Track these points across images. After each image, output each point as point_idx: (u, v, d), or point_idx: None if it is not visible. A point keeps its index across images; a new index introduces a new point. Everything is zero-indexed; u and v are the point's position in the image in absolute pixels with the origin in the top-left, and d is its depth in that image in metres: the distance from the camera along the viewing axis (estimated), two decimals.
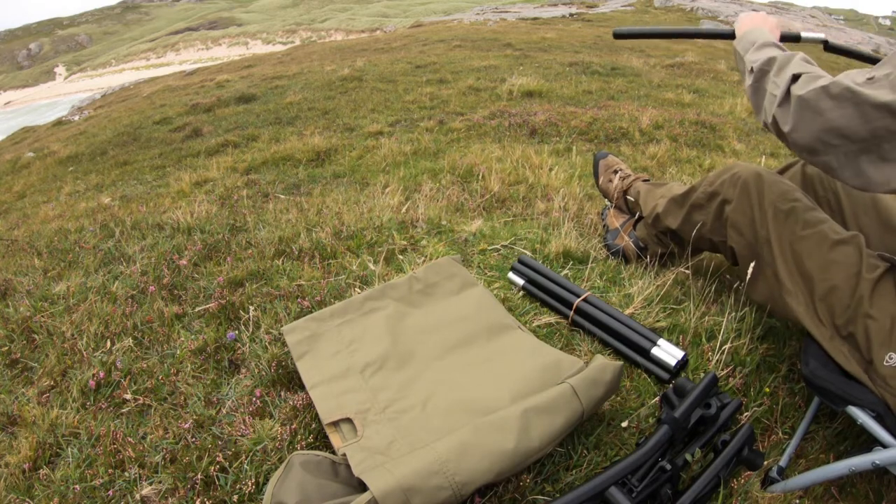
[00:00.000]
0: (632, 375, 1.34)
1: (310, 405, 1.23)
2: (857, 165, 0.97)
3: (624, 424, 1.19)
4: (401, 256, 1.84)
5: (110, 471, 1.15)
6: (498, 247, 1.86)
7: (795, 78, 1.03)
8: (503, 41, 10.38)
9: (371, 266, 1.76)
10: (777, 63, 1.10)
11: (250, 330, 1.53)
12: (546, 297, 1.54)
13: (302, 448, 1.14)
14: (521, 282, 1.61)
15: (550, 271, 1.60)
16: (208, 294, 1.74)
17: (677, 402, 1.16)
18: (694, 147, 3.76)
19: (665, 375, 1.31)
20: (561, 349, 1.37)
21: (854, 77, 0.95)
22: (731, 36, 1.38)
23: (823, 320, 1.15)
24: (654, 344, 1.34)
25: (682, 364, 1.33)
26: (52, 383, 1.47)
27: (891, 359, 1.05)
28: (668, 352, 1.32)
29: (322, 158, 3.81)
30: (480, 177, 2.70)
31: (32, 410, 1.36)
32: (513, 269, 1.67)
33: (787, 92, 1.03)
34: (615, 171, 1.96)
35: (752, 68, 1.15)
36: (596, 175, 2.02)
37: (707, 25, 17.42)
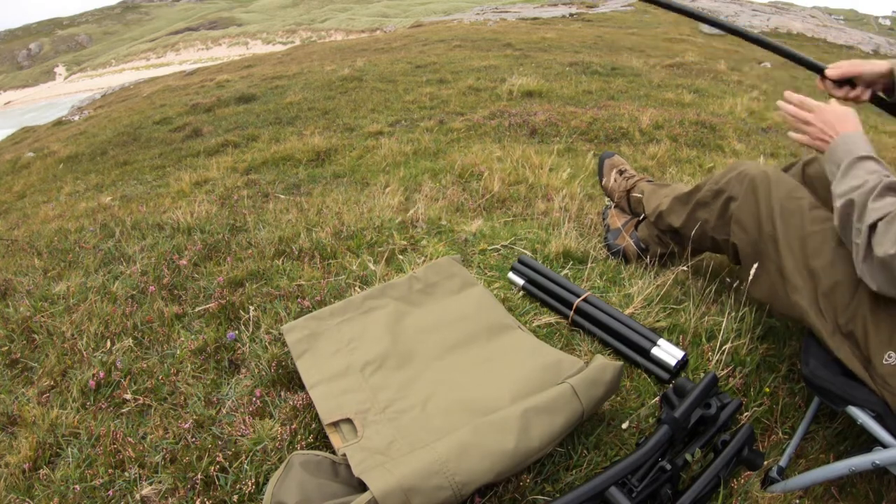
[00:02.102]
0: (632, 375, 1.34)
1: (310, 405, 1.23)
2: None
3: (624, 426, 1.19)
4: (401, 256, 1.84)
5: (110, 471, 1.15)
6: (498, 247, 1.86)
7: (873, 228, 1.03)
8: (503, 41, 10.37)
9: (371, 266, 1.76)
10: (857, 205, 1.07)
11: (250, 330, 1.53)
12: (546, 297, 1.54)
13: (302, 448, 1.14)
14: (521, 282, 1.61)
15: (550, 271, 1.60)
16: (208, 294, 1.74)
17: (677, 402, 1.16)
18: (694, 147, 3.76)
19: (665, 375, 1.31)
20: (561, 349, 1.37)
21: None
22: (820, 70, 1.31)
23: (826, 316, 1.16)
24: (654, 344, 1.34)
25: (682, 364, 1.33)
26: (52, 383, 1.47)
27: (890, 357, 1.05)
28: (668, 352, 1.32)
29: (322, 158, 3.81)
30: (480, 177, 2.70)
31: (32, 410, 1.36)
32: (513, 269, 1.67)
33: (869, 246, 1.03)
34: (620, 171, 1.97)
35: (838, 204, 1.13)
36: (601, 174, 2.03)
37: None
